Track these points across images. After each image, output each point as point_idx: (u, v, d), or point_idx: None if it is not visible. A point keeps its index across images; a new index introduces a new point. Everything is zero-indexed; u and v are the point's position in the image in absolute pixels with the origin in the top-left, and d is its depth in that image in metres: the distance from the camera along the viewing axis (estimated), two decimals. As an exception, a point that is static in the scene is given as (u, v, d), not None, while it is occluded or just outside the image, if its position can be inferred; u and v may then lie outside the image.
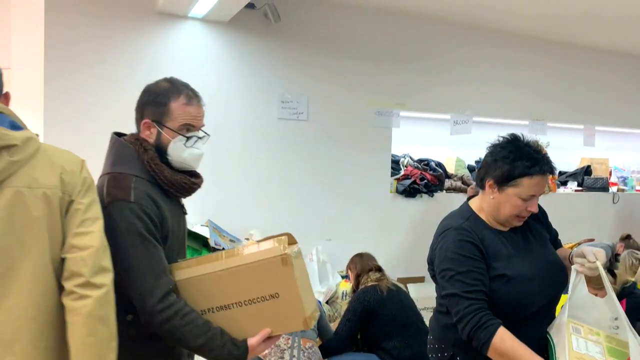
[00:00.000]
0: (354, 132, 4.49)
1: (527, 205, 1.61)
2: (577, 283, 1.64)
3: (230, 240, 3.68)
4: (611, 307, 1.62)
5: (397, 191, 4.77)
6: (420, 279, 4.77)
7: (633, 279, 3.89)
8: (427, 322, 3.01)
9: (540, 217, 1.79)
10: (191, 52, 3.90)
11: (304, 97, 4.23)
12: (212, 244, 3.42)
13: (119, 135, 1.57)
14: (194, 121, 1.55)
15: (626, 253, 4.14)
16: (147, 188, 1.45)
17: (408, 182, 4.79)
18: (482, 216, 1.70)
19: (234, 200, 4.03)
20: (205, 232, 3.53)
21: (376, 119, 4.58)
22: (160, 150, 1.51)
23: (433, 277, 1.76)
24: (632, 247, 4.45)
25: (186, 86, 1.57)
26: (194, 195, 4.33)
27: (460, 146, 5.42)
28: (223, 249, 3.45)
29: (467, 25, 4.92)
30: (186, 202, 4.17)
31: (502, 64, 5.21)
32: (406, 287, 4.45)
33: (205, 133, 1.62)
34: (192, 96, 1.56)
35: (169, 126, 1.50)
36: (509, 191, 1.60)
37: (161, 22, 3.79)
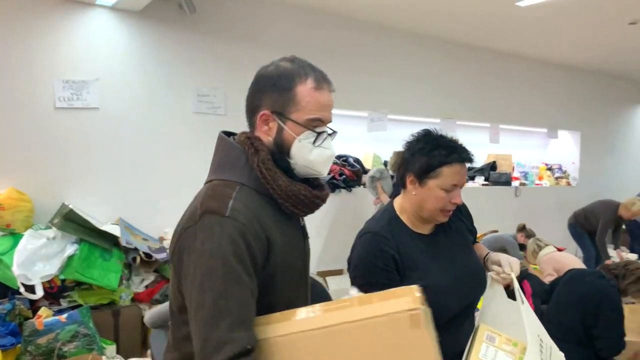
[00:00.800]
0: (273, 128, 4.48)
1: (451, 197, 1.55)
2: (494, 290, 1.59)
3: (144, 239, 3.54)
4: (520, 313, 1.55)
5: (317, 187, 4.82)
6: (339, 272, 4.87)
7: (535, 265, 4.24)
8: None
9: (464, 219, 1.75)
10: (99, 42, 3.69)
11: (221, 91, 4.16)
12: (122, 242, 3.27)
13: (228, 135, 1.25)
14: (324, 113, 1.19)
15: (532, 240, 4.51)
16: (252, 201, 1.12)
17: (327, 177, 4.86)
18: (404, 218, 1.64)
19: (147, 197, 3.88)
20: (115, 230, 3.37)
21: (295, 115, 4.61)
22: (282, 151, 1.17)
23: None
24: (530, 235, 4.83)
25: (313, 67, 1.21)
26: (104, 192, 4.12)
27: (377, 143, 5.59)
28: (135, 248, 3.32)
29: (384, 26, 5.07)
30: (92, 198, 3.97)
31: (416, 65, 5.43)
32: (325, 281, 4.52)
33: (333, 130, 1.25)
34: (322, 80, 1.19)
35: (293, 119, 1.16)
36: (430, 183, 1.55)
37: (66, 10, 3.56)
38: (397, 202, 1.70)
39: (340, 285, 4.59)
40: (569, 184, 7.12)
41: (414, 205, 1.61)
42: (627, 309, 2.61)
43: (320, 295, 2.77)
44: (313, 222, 4.72)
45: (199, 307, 1.01)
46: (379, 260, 1.53)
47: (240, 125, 4.58)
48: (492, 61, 6.07)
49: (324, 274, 4.67)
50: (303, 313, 1.05)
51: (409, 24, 5.07)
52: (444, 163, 1.54)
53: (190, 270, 1.04)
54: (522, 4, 4.27)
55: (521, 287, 1.58)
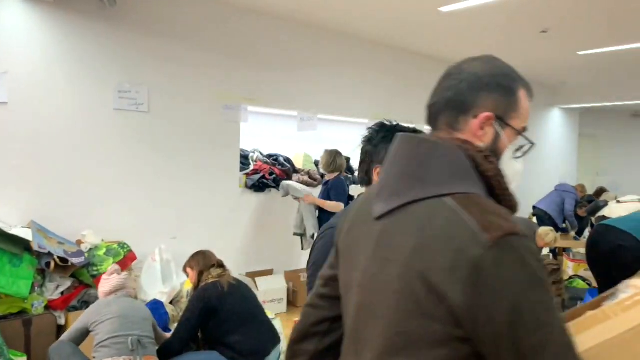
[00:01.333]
0: (200, 126, 4.37)
1: None
2: None
3: (59, 243, 3.33)
4: None
5: (247, 186, 4.77)
6: (269, 272, 4.84)
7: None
8: (269, 314, 3.06)
9: None
10: (9, 33, 3.43)
11: (145, 87, 3.99)
12: (35, 247, 3.06)
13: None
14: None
15: None
16: None
17: (257, 176, 4.82)
18: None
19: (63, 198, 3.66)
20: (27, 234, 3.15)
21: (224, 113, 4.52)
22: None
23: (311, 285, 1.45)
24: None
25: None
26: (13, 193, 3.83)
27: (308, 142, 5.62)
28: (49, 252, 3.12)
29: (315, 26, 5.10)
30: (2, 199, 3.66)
31: (346, 66, 5.50)
32: (254, 281, 4.48)
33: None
34: (530, 87, 1.09)
35: (513, 125, 1.02)
36: None
37: (-31, -6, 3.28)
38: None
39: (269, 285, 4.55)
40: (488, 182, 7.50)
41: None
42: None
43: (244, 297, 2.73)
44: (241, 222, 4.67)
45: (562, 348, 0.82)
46: None
47: (164, 123, 4.43)
48: (418, 64, 6.28)
49: (253, 274, 4.62)
50: (595, 321, 0.94)
51: (339, 25, 5.12)
52: None
53: (505, 307, 0.82)
54: (444, 9, 4.44)
55: None
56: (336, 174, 4.38)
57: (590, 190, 8.44)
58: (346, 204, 4.32)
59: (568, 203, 6.62)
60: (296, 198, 4.46)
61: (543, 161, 8.63)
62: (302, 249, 4.47)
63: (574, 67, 6.94)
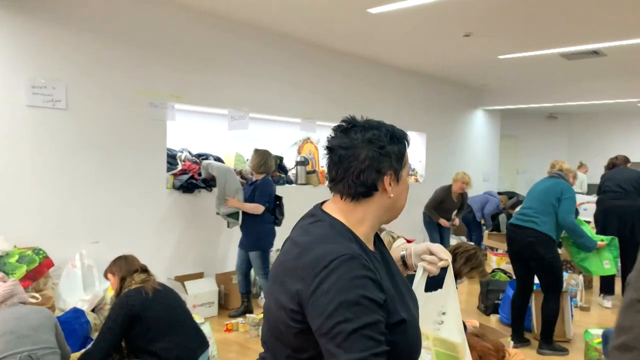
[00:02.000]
0: (124, 124, 4.17)
1: None
2: (420, 282, 1.42)
3: (-37, 251, 3.06)
4: (442, 300, 1.43)
5: (174, 187, 4.61)
6: (199, 275, 4.71)
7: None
8: (198, 318, 2.96)
9: None
10: None
11: (62, 83, 3.75)
12: None
13: None
14: None
15: (385, 232, 4.81)
16: None
17: (186, 177, 4.67)
18: (359, 232, 1.24)
19: (-31, 202, 3.36)
20: None
21: (149, 110, 4.34)
22: None
23: (301, 330, 1.10)
24: (381, 230, 5.14)
25: None
26: None
27: (240, 141, 5.53)
28: (-49, 261, 2.85)
29: (244, 24, 5.01)
30: None
31: (278, 65, 5.46)
32: (184, 285, 4.34)
33: None
34: None
35: None
36: (403, 174, 1.28)
37: None
38: (344, 213, 1.25)
39: (199, 289, 4.43)
40: (417, 180, 7.74)
41: (384, 209, 1.27)
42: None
43: (170, 303, 2.61)
44: (168, 224, 4.51)
45: None
46: (370, 291, 1.09)
47: (84, 121, 4.19)
48: (349, 65, 6.35)
49: (183, 278, 4.48)
50: None
51: (270, 24, 5.07)
52: (406, 147, 1.32)
53: None
54: (372, 11, 4.51)
55: None
56: (264, 175, 4.38)
57: (510, 189, 9.00)
58: (271, 205, 4.35)
59: (490, 205, 7.58)
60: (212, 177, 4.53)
61: (468, 160, 9.02)
62: (228, 226, 4.54)
63: (495, 70, 7.30)
